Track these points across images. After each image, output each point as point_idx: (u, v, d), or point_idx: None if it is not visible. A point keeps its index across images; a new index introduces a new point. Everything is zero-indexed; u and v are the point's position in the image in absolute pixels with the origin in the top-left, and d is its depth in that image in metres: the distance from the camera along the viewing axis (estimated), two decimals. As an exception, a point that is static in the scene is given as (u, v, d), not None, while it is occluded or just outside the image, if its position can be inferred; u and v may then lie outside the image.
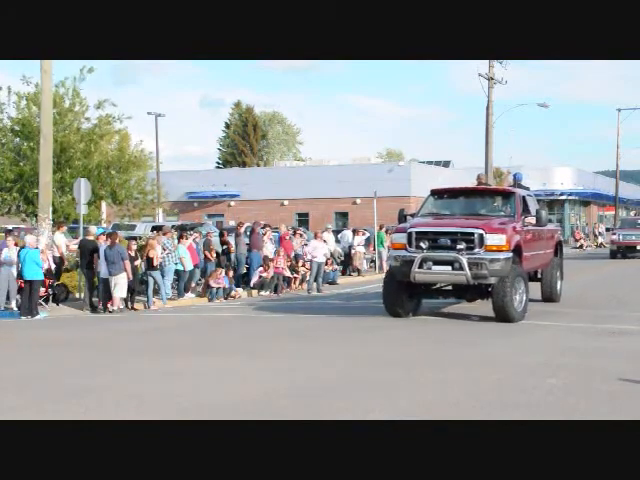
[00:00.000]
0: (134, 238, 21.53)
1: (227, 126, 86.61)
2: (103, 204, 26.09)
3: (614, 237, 38.84)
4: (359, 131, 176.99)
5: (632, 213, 59.41)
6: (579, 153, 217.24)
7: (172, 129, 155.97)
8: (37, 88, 23.39)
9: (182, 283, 20.47)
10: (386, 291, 14.92)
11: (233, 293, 21.36)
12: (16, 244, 18.05)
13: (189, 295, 20.78)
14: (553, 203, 68.09)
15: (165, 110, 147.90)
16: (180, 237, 20.80)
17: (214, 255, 22.11)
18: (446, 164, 71.71)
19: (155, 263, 18.92)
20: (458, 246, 13.75)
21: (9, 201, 24.53)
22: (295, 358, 10.65)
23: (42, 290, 17.54)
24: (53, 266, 18.74)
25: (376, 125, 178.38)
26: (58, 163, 23.05)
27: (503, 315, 13.91)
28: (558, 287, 17.65)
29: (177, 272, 20.14)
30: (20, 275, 16.98)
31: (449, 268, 13.79)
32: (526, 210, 15.45)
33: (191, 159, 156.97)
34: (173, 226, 26.90)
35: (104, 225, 27.80)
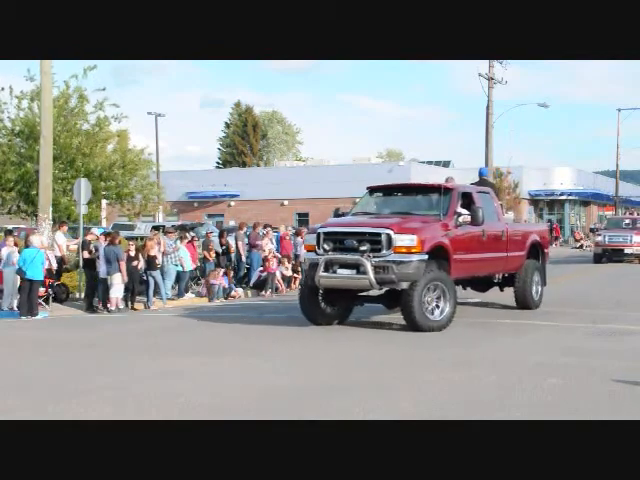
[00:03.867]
0: (134, 238, 21.55)
1: (227, 126, 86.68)
2: (103, 204, 26.11)
3: (599, 239, 35.02)
4: (359, 131, 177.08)
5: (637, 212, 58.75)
6: (579, 153, 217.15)
7: (172, 129, 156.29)
8: (38, 88, 23.40)
9: (182, 283, 20.48)
10: (301, 296, 14.00)
11: (233, 293, 21.36)
12: (16, 244, 18.05)
13: (189, 295, 20.79)
14: (553, 203, 68.19)
15: (165, 110, 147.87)
16: (180, 238, 20.83)
17: (213, 255, 22.12)
18: (446, 164, 71.79)
19: (156, 262, 18.93)
20: (361, 247, 12.64)
21: (9, 201, 24.55)
22: (295, 358, 10.65)
23: (42, 290, 17.54)
24: (55, 266, 18.75)
25: (376, 125, 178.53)
26: (60, 163, 23.05)
27: (410, 323, 12.73)
28: (535, 293, 16.12)
29: (177, 272, 20.15)
30: (20, 274, 16.96)
31: (354, 272, 12.66)
32: (471, 208, 13.95)
33: (191, 159, 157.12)
34: (173, 226, 26.95)
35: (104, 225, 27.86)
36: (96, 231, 20.31)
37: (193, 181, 60.32)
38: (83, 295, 18.73)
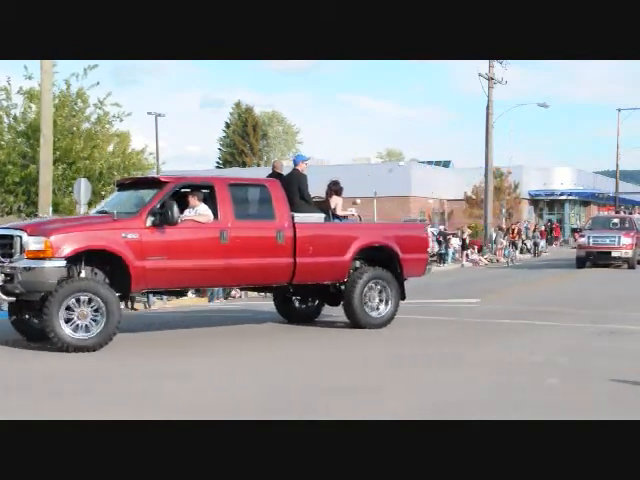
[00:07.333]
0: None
1: (227, 126, 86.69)
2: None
3: (582, 240, 30.96)
4: (359, 131, 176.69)
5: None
6: (579, 153, 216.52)
7: (172, 129, 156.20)
8: (39, 87, 23.35)
9: (182, 283, 20.46)
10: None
11: (233, 293, 21.34)
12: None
13: (189, 295, 20.78)
14: (553, 203, 68.22)
15: (165, 110, 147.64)
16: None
17: None
18: (446, 164, 71.83)
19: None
20: None
21: (11, 202, 24.52)
22: (294, 358, 10.65)
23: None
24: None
25: (376, 125, 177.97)
26: (58, 162, 23.03)
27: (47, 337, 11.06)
28: (374, 309, 13.29)
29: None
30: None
31: None
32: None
33: (191, 159, 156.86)
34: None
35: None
36: None
37: (193, 181, 60.25)
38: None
